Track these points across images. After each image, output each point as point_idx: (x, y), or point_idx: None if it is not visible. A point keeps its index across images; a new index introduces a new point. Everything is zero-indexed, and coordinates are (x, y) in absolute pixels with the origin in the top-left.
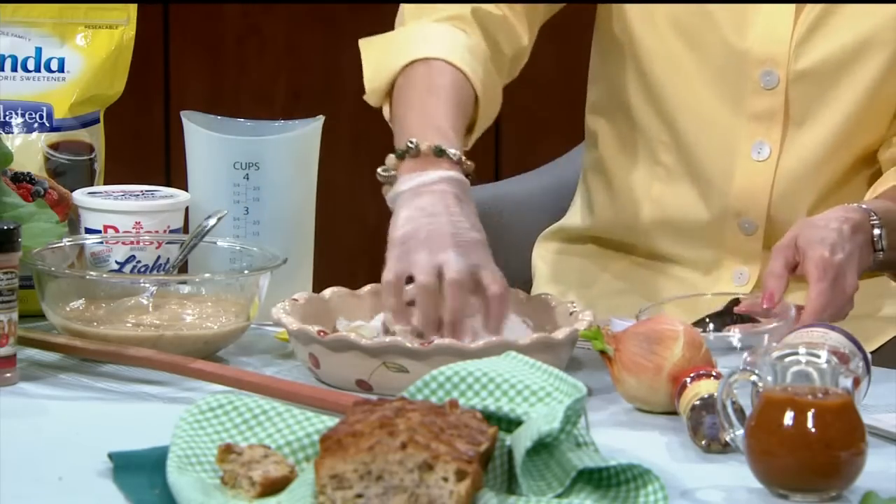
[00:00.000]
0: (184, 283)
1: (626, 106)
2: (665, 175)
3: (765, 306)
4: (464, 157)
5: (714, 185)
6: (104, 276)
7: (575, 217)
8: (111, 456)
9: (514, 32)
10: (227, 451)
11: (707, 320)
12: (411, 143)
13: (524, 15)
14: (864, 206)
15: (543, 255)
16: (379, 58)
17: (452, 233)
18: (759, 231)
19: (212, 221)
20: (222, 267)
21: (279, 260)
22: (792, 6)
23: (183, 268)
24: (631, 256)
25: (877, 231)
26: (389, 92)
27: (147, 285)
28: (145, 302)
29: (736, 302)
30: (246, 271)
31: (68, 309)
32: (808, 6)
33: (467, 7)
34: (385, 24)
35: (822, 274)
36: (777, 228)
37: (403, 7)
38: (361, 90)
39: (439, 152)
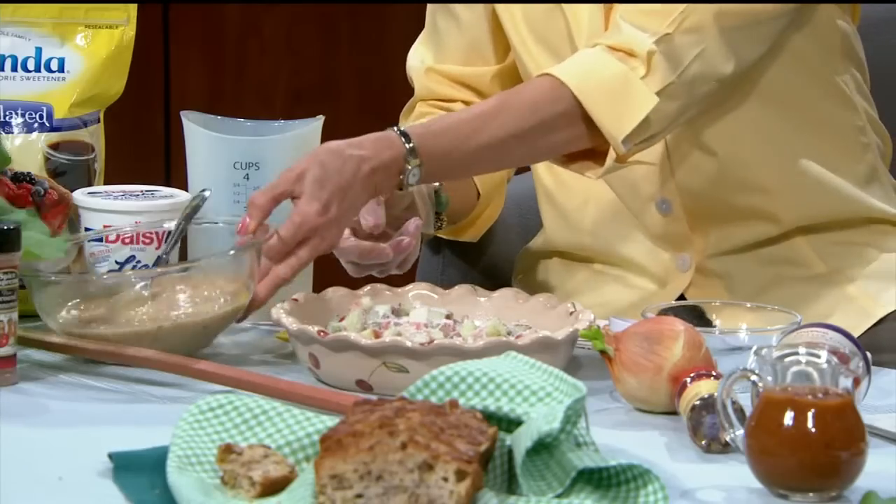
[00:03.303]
0: (176, 270)
1: None
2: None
3: (237, 232)
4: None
5: (618, 175)
6: (94, 277)
7: (539, 237)
8: (111, 456)
9: None
10: (227, 451)
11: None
12: None
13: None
14: (408, 141)
15: (517, 272)
16: None
17: None
18: (677, 208)
19: (207, 193)
20: (222, 247)
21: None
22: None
23: (182, 253)
24: (590, 266)
25: (409, 166)
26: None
27: (137, 280)
28: (145, 293)
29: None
30: (232, 251)
31: (65, 310)
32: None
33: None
34: (384, 24)
35: (295, 230)
36: (692, 203)
37: None
38: (361, 90)
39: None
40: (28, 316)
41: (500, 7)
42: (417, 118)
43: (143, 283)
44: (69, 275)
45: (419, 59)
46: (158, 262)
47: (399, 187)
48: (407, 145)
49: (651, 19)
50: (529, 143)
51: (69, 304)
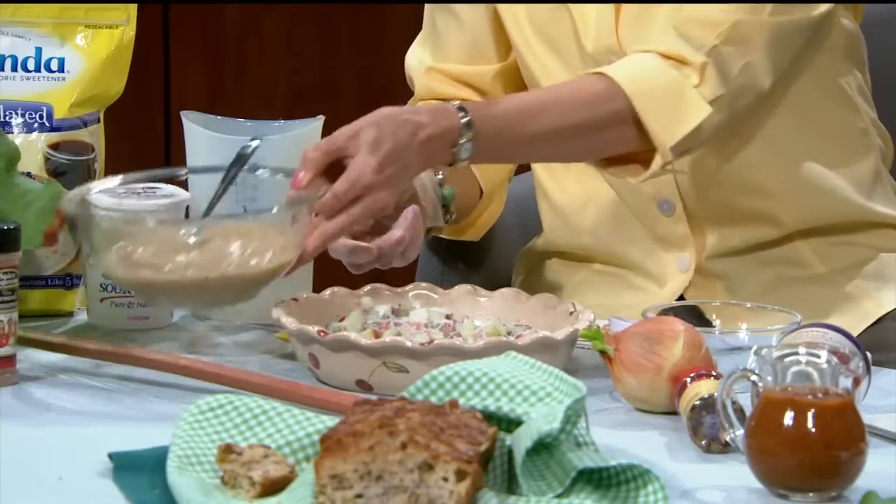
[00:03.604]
0: (228, 222)
1: None
2: (591, 177)
3: (291, 186)
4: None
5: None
6: (151, 225)
7: (538, 238)
8: (111, 456)
9: None
10: (227, 451)
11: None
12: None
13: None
14: (465, 115)
15: (517, 273)
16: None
17: None
18: (678, 209)
19: (255, 143)
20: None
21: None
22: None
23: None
24: (590, 266)
25: (462, 140)
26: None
27: (189, 229)
28: (192, 241)
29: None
30: (286, 206)
31: (113, 252)
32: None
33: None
34: (384, 24)
35: (349, 186)
36: (694, 204)
37: None
38: (361, 90)
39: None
40: (28, 316)
41: (502, 6)
42: None
43: (193, 231)
44: (119, 212)
45: (417, 59)
46: (209, 206)
47: (450, 162)
48: (463, 119)
49: (701, 30)
50: (579, 138)
51: (117, 244)
